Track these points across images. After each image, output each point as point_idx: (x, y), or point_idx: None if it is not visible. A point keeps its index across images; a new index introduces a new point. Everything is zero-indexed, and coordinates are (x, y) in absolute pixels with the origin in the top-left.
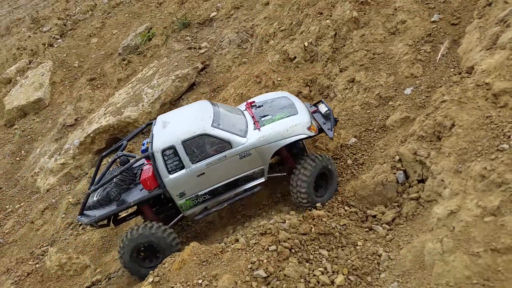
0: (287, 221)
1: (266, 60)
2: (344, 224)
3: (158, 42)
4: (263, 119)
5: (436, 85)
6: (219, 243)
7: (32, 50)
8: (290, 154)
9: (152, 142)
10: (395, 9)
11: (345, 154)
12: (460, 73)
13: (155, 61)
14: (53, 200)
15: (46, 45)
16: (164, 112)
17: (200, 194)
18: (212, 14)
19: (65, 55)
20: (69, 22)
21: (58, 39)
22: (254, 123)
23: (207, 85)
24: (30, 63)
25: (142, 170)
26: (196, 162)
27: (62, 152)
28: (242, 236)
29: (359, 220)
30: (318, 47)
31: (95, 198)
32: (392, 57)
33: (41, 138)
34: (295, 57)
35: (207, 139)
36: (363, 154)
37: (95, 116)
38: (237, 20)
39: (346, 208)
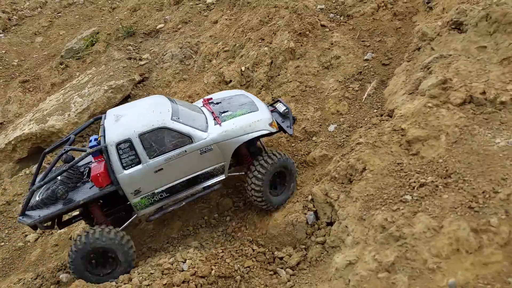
0: (188, 261)
1: (202, 80)
2: (248, 266)
3: (99, 48)
4: (223, 114)
5: (358, 125)
6: (111, 281)
7: None
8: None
9: (104, 135)
10: (332, 44)
11: None
12: (381, 115)
13: (93, 68)
14: None
15: None
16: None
17: (157, 192)
18: (159, 26)
19: (3, 51)
20: (14, 17)
21: (0, 34)
22: (214, 119)
23: None
24: None
25: (89, 168)
26: (154, 157)
27: None
28: (138, 274)
29: (266, 261)
30: (254, 73)
31: (38, 198)
32: (322, 92)
33: None
34: (230, 81)
35: (167, 132)
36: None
37: (21, 121)
38: (183, 35)
39: (255, 247)
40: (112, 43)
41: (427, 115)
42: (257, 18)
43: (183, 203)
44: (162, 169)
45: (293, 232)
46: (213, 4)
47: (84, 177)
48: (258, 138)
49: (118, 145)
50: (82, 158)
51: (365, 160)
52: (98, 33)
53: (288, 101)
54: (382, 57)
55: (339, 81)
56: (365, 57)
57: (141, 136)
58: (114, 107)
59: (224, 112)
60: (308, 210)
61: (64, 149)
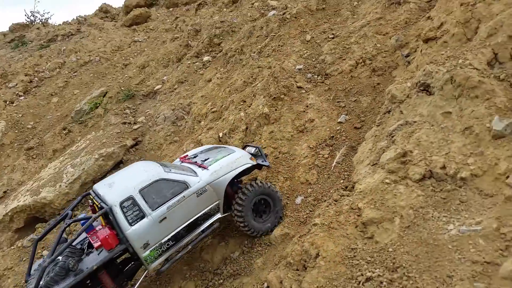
0: None
1: (181, 148)
2: None
3: (100, 112)
4: (205, 162)
5: (323, 198)
6: None
7: None
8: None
9: (103, 201)
10: (307, 106)
11: (226, 270)
12: (346, 187)
13: (93, 132)
14: None
15: (8, 102)
16: (85, 191)
17: (163, 242)
18: (157, 87)
19: (21, 115)
20: (35, 78)
21: (20, 96)
22: (199, 167)
23: None
24: None
25: (88, 241)
26: (157, 208)
27: None
28: None
29: None
30: (230, 139)
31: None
32: (294, 159)
33: None
34: None
35: (164, 184)
36: (240, 273)
37: (21, 190)
38: (178, 95)
39: None
40: (112, 107)
41: (384, 192)
42: (241, 79)
43: (189, 247)
44: (165, 218)
45: None
46: (209, 61)
47: (85, 251)
48: (239, 178)
49: (121, 204)
50: (91, 223)
51: (318, 245)
52: (106, 93)
53: (261, 170)
54: (355, 119)
55: (311, 147)
56: (339, 120)
57: (141, 191)
58: (105, 174)
59: (206, 159)
60: None
61: (66, 223)
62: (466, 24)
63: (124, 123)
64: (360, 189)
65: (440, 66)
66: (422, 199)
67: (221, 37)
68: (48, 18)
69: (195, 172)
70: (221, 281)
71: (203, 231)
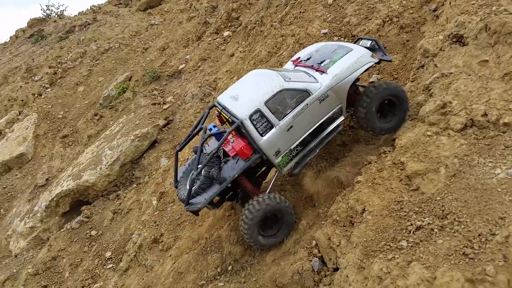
0: None
1: (215, 121)
2: None
3: (129, 95)
4: (322, 64)
5: (369, 154)
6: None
7: (22, 101)
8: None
9: (232, 115)
10: None
11: None
12: (385, 145)
13: (124, 116)
14: (14, 270)
15: (36, 95)
16: (125, 172)
17: (293, 148)
18: (181, 66)
19: (50, 106)
20: (59, 70)
21: (47, 88)
22: (316, 70)
23: (169, 142)
24: (19, 114)
25: (223, 150)
26: (283, 118)
27: (31, 215)
28: None
29: None
30: None
31: (187, 188)
32: None
33: (20, 195)
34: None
35: (286, 93)
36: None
37: (62, 176)
38: (202, 73)
39: None
40: (139, 89)
41: (427, 144)
42: (265, 50)
43: (317, 150)
44: (292, 126)
45: (301, 280)
46: (230, 36)
47: (221, 159)
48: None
49: (250, 117)
50: (226, 137)
51: (364, 201)
52: (131, 77)
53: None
54: (387, 78)
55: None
56: (370, 80)
57: (267, 103)
58: (142, 154)
59: (322, 62)
60: (314, 256)
61: (203, 137)
62: None
63: (154, 104)
64: (401, 144)
65: (472, 16)
66: (466, 147)
67: (239, 11)
68: (63, 10)
69: (314, 77)
70: None
71: (328, 134)
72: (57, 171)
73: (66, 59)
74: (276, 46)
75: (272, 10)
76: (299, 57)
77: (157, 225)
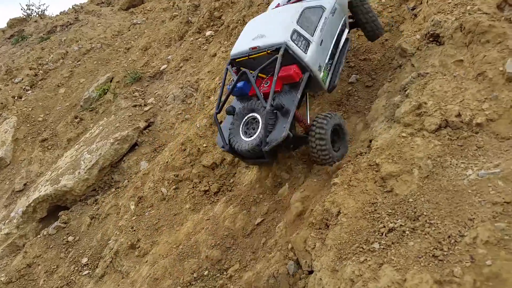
0: None
1: (195, 125)
2: None
3: (110, 97)
4: None
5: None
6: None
7: (1, 104)
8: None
9: (269, 47)
10: None
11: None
12: (361, 146)
13: (105, 118)
14: None
15: (16, 98)
16: (104, 176)
17: (327, 62)
18: (163, 67)
19: (30, 108)
20: (40, 71)
21: (28, 90)
22: None
23: (149, 145)
24: None
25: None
26: (313, 34)
27: (7, 221)
28: None
29: None
30: None
31: (244, 138)
32: None
33: None
34: (221, 122)
35: (308, 11)
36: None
37: (40, 181)
38: (184, 74)
39: None
40: (120, 91)
41: (401, 146)
42: None
43: (343, 61)
44: (322, 40)
45: (276, 284)
46: (212, 36)
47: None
48: None
49: (291, 37)
50: (279, 64)
51: (339, 203)
52: (112, 79)
53: None
54: (366, 78)
55: (323, 110)
56: (350, 80)
57: (298, 22)
58: (122, 157)
59: None
60: (289, 260)
61: (254, 75)
62: None
63: (135, 106)
64: (376, 145)
65: (448, 15)
66: (439, 148)
67: (221, 10)
68: (44, 10)
69: None
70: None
71: (343, 45)
72: (36, 175)
73: (47, 60)
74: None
75: (254, 9)
76: None
77: (134, 230)
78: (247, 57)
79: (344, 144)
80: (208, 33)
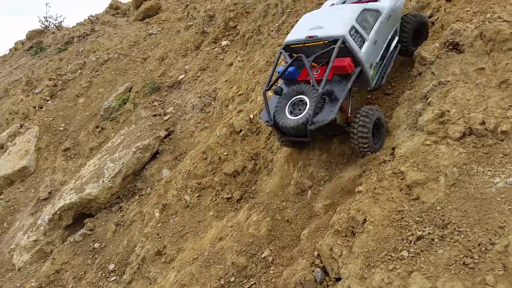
0: None
1: (215, 133)
2: None
3: (130, 107)
4: None
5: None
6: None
7: (23, 114)
8: None
9: (327, 38)
10: None
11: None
12: (385, 154)
13: (126, 127)
14: (18, 284)
15: (37, 108)
16: (128, 184)
17: (377, 61)
18: (181, 77)
19: (51, 118)
20: (59, 82)
21: (48, 100)
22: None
23: (170, 153)
24: (21, 127)
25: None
26: (369, 33)
27: (35, 228)
28: None
29: None
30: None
31: (289, 117)
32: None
33: (23, 208)
34: (241, 130)
35: (366, 13)
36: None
37: (65, 189)
38: (202, 83)
39: None
40: (140, 101)
41: (426, 153)
42: (264, 59)
43: (392, 63)
44: (376, 41)
45: None
46: (228, 46)
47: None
48: None
49: (349, 32)
50: (337, 49)
51: (365, 211)
52: (131, 88)
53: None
54: (385, 85)
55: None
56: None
57: (357, 20)
58: (144, 166)
59: None
60: (316, 267)
61: (309, 61)
62: None
63: (155, 115)
64: (400, 153)
65: (467, 23)
66: (465, 156)
67: (236, 20)
68: (61, 22)
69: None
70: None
71: (393, 51)
72: (60, 184)
73: (65, 71)
74: (274, 55)
75: (269, 19)
76: None
77: (160, 237)
78: (302, 45)
79: (382, 138)
80: (224, 43)
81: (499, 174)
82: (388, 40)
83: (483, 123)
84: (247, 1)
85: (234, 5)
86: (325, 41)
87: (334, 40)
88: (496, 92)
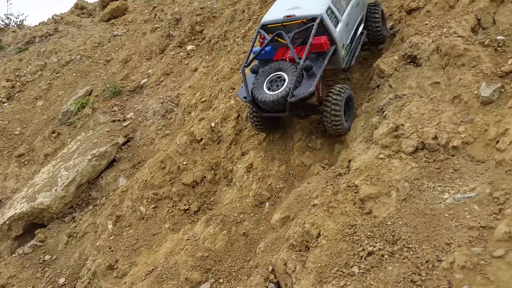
0: None
1: (175, 142)
2: None
3: (88, 111)
4: None
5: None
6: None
7: None
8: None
9: (305, 17)
10: None
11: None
12: (341, 166)
13: (83, 133)
14: None
15: None
16: (82, 193)
17: (348, 43)
18: (143, 81)
19: (7, 122)
20: (18, 83)
21: (4, 103)
22: None
23: (128, 161)
24: None
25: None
26: (342, 15)
27: None
28: None
29: None
30: (223, 128)
31: (267, 92)
32: (288, 140)
33: None
34: (202, 139)
35: None
36: (244, 259)
37: (16, 198)
38: (165, 88)
39: None
40: (99, 105)
41: (379, 167)
42: (228, 66)
43: (359, 47)
44: (348, 23)
45: None
46: (193, 50)
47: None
48: None
49: (326, 11)
50: (315, 29)
51: (319, 225)
52: (91, 92)
53: (255, 155)
54: (353, 67)
55: (302, 130)
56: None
57: (332, 1)
58: (100, 174)
59: None
60: (270, 282)
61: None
62: None
63: (114, 121)
64: (355, 166)
65: (425, 37)
66: (417, 170)
67: (202, 24)
68: (23, 20)
69: None
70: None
71: (359, 36)
72: (11, 192)
73: (25, 72)
74: (238, 63)
75: (235, 25)
76: None
77: (112, 250)
78: (280, 24)
79: (351, 116)
80: (189, 47)
81: (448, 190)
82: (356, 24)
83: (435, 138)
84: (214, 6)
85: (201, 9)
86: (304, 20)
87: (312, 19)
88: (449, 107)
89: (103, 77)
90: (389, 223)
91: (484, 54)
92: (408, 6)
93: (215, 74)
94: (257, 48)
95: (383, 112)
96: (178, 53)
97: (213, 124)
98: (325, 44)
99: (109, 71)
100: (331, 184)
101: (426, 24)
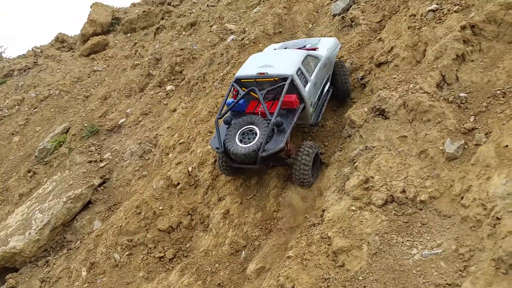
0: None
1: (151, 185)
2: None
3: (65, 151)
4: (308, 46)
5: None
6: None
7: None
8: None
9: (276, 76)
10: None
11: None
12: (315, 216)
13: (59, 173)
14: None
15: None
16: (56, 235)
17: (315, 101)
18: (121, 121)
19: None
20: None
21: None
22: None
23: (104, 203)
24: None
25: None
26: (311, 76)
27: None
28: None
29: None
30: (200, 173)
31: (240, 145)
32: (264, 188)
33: None
34: (178, 183)
35: (309, 58)
36: None
37: None
38: (143, 128)
39: None
40: (76, 144)
41: (351, 219)
42: (206, 109)
43: (325, 105)
44: (316, 83)
45: None
46: (173, 91)
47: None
48: None
49: (296, 72)
50: (287, 88)
51: (293, 278)
52: (68, 129)
53: (232, 201)
54: (319, 144)
55: (278, 177)
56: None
57: (302, 63)
58: (75, 216)
59: (304, 46)
60: None
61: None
62: (414, 47)
63: (90, 161)
64: (328, 217)
65: (393, 92)
66: (386, 224)
67: (182, 65)
68: (1, 52)
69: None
70: None
71: (326, 94)
72: None
73: (2, 106)
74: (216, 106)
75: (214, 67)
76: (286, 46)
77: None
78: (253, 80)
79: (317, 171)
80: (168, 87)
81: (416, 245)
82: (323, 83)
83: (403, 191)
84: (194, 47)
85: (181, 50)
86: (276, 78)
87: (284, 78)
88: (416, 161)
89: (82, 113)
90: (360, 278)
91: (449, 110)
92: (377, 60)
93: (193, 116)
94: (230, 100)
95: (354, 163)
96: (157, 93)
97: (190, 169)
98: (295, 102)
99: (88, 108)
100: (305, 235)
101: (394, 78)
